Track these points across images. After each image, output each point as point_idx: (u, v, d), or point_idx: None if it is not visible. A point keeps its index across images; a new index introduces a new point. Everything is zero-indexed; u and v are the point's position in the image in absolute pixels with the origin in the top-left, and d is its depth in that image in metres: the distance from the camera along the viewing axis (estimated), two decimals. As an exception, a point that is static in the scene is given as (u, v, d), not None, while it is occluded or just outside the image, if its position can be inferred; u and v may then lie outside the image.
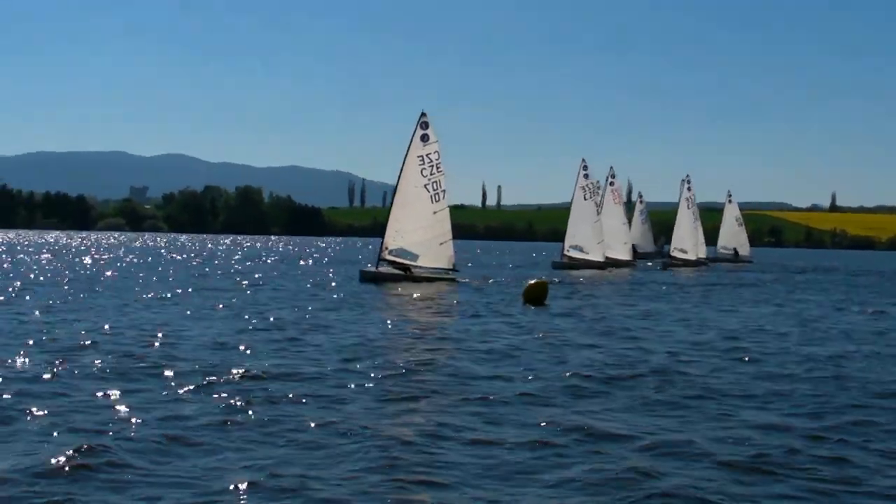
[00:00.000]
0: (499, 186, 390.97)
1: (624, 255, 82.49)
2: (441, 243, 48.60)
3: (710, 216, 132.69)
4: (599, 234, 73.66)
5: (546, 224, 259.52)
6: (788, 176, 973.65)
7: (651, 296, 44.29)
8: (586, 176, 73.33)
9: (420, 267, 48.67)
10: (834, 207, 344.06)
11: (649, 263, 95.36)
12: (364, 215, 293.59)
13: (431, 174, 48.25)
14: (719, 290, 50.80)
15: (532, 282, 39.79)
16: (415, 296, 38.50)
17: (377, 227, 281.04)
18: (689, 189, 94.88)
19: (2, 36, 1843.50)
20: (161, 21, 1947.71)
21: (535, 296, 37.07)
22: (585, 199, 73.15)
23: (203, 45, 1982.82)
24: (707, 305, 38.80)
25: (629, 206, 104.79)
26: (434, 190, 48.30)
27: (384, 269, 48.82)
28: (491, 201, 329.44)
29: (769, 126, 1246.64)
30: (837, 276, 76.55)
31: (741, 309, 37.24)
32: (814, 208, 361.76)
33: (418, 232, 48.15)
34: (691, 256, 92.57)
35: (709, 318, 32.63)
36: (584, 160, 73.52)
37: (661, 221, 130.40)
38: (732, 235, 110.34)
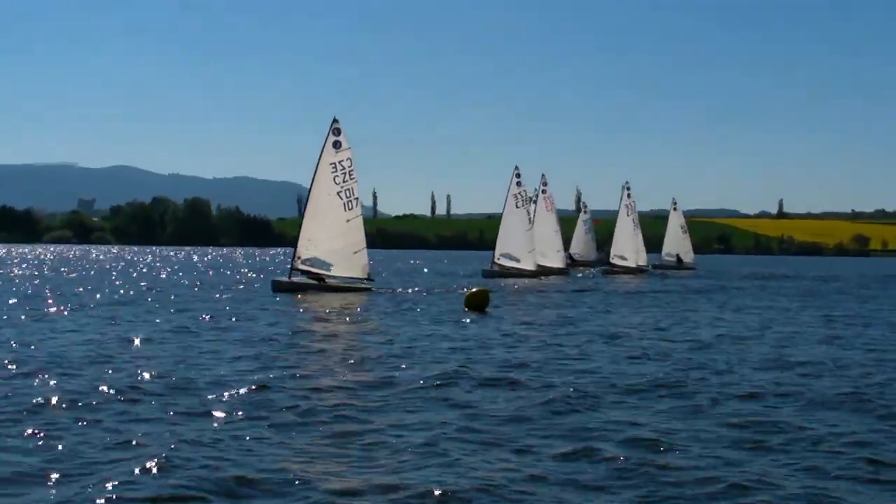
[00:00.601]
0: (448, 195, 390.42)
1: (557, 262, 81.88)
2: (355, 252, 47.50)
3: (658, 224, 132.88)
4: (531, 243, 72.81)
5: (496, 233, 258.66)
6: (737, 183, 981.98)
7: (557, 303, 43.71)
8: (518, 184, 72.45)
9: (334, 276, 47.52)
10: (781, 214, 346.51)
11: (590, 271, 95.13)
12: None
13: (344, 181, 47.14)
14: (623, 298, 50.37)
15: (473, 290, 40.37)
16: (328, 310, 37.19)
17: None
18: (628, 196, 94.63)
19: None
20: (111, 34, 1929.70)
21: (476, 303, 37.88)
22: (517, 206, 72.25)
23: (152, 56, 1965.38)
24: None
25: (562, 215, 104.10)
26: (347, 197, 47.21)
27: (297, 278, 47.60)
28: (440, 210, 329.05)
29: (718, 132, 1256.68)
30: (758, 283, 76.39)
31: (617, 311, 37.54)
32: (762, 215, 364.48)
33: (332, 241, 47.01)
34: (631, 263, 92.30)
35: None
36: (517, 167, 72.73)
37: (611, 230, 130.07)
38: (677, 243, 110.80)
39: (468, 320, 32.84)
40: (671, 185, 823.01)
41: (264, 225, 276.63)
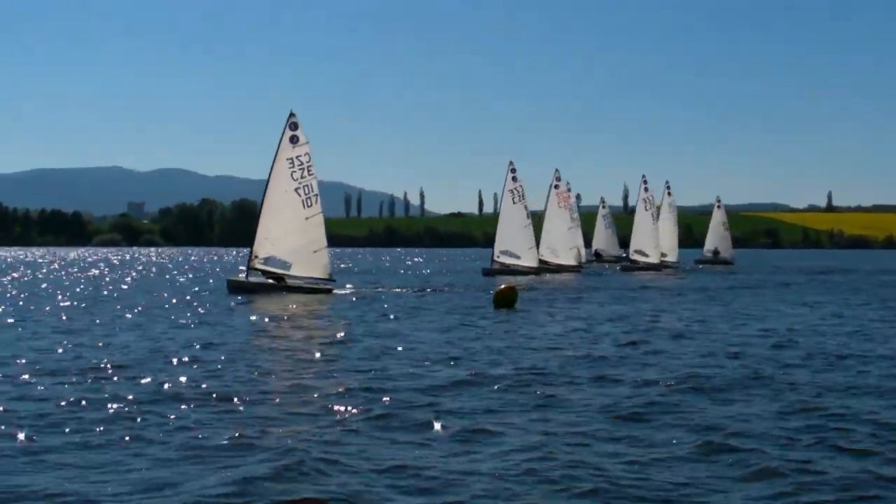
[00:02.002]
0: (495, 194, 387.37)
1: (569, 260, 79.33)
2: (315, 251, 45.65)
3: (702, 221, 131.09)
4: (531, 239, 70.69)
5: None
6: (785, 176, 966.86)
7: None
8: (514, 179, 70.34)
9: (294, 276, 45.76)
10: (830, 207, 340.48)
11: (609, 267, 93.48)
12: (361, 225, 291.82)
13: (302, 177, 45.31)
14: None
15: (502, 287, 39.45)
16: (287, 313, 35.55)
17: (373, 238, 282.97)
18: (646, 189, 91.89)
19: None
20: (158, 35, 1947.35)
21: (506, 300, 37.33)
22: (514, 202, 70.14)
23: (199, 57, 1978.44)
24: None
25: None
26: (306, 194, 45.37)
27: (254, 278, 45.91)
28: (488, 208, 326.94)
29: (767, 126, 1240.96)
30: (781, 278, 73.55)
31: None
32: (811, 208, 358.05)
33: (290, 239, 45.18)
34: (653, 259, 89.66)
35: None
36: (511, 162, 70.81)
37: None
38: (719, 240, 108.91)
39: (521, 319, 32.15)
40: (719, 181, 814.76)
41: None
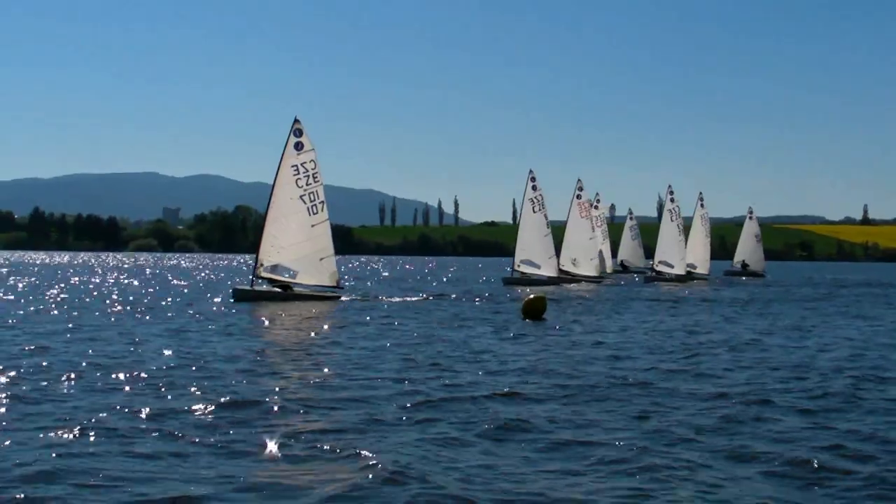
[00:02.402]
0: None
1: (590, 270, 78.27)
2: (322, 259, 45.22)
3: (737, 231, 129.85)
4: (550, 248, 70.02)
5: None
6: (821, 188, 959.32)
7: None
8: (534, 188, 69.74)
9: (300, 284, 45.30)
10: (866, 220, 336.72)
11: (636, 278, 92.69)
12: (394, 234, 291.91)
13: (308, 185, 44.94)
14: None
15: (531, 296, 38.55)
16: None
17: (407, 246, 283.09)
18: (671, 200, 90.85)
19: (34, 62, 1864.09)
20: (196, 43, 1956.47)
21: (534, 310, 36.72)
22: (534, 211, 69.54)
23: (237, 65, 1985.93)
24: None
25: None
26: (311, 201, 44.99)
27: (260, 287, 45.44)
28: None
29: (803, 137, 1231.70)
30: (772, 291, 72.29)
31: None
32: (846, 221, 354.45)
33: (296, 247, 44.75)
34: (679, 270, 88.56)
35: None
36: (531, 171, 70.16)
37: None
38: (750, 252, 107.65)
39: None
40: (754, 192, 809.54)
41: (345, 233, 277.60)
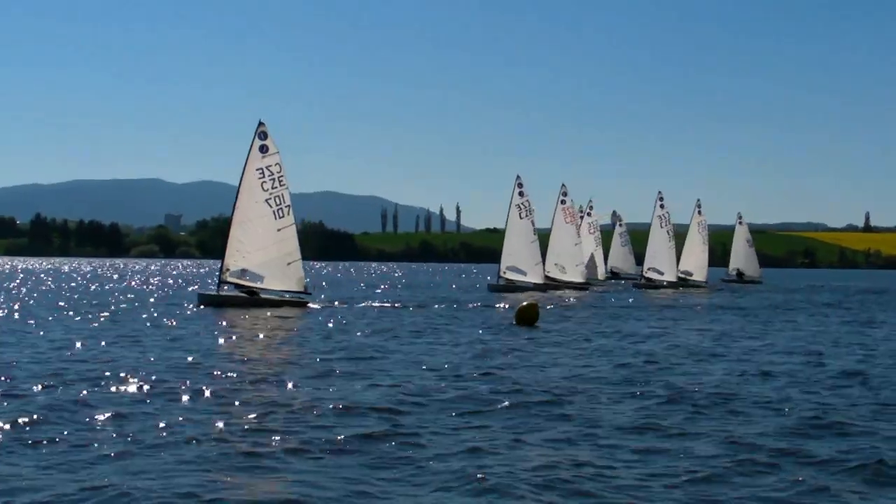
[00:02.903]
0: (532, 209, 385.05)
1: (576, 277, 77.23)
2: (289, 263, 44.45)
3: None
4: (537, 255, 69.26)
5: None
6: (823, 196, 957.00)
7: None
8: (521, 193, 69.06)
9: (267, 290, 44.53)
10: (868, 227, 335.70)
11: (622, 284, 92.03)
12: (396, 240, 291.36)
13: (273, 188, 44.21)
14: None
15: (524, 303, 38.74)
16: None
17: (409, 253, 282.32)
18: (661, 206, 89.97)
19: (34, 62, 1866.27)
20: (198, 49, 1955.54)
21: (527, 316, 36.84)
22: (521, 217, 68.86)
23: (239, 72, 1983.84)
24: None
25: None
26: (277, 205, 44.26)
27: (226, 292, 44.66)
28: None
29: (805, 144, 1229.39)
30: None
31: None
32: (849, 228, 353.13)
33: (262, 251, 44.00)
34: (670, 277, 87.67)
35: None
36: (518, 177, 69.46)
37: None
38: (745, 258, 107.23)
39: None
40: (755, 200, 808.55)
41: (347, 239, 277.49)
